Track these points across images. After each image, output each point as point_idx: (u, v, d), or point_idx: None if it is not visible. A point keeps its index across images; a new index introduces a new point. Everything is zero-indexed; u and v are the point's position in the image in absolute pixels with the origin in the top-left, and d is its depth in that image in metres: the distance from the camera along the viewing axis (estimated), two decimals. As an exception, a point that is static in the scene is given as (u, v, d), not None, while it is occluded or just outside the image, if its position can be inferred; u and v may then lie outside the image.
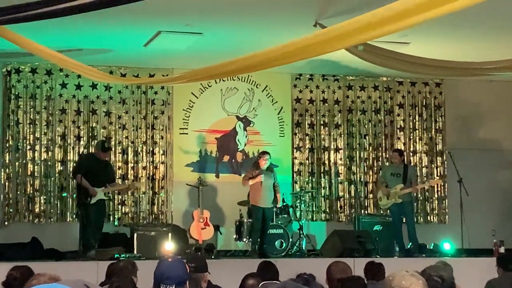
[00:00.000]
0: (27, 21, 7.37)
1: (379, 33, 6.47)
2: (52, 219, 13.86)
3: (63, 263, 11.29)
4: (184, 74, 11.20)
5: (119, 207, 14.24)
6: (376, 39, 7.24)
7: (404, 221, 13.80)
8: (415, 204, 14.83)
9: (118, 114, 14.40)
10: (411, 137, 15.68)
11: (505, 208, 15.34)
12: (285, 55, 7.54)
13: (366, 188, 15.37)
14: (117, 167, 14.25)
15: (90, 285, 3.70)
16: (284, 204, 13.86)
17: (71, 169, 13.61)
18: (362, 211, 15.11)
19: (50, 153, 13.96)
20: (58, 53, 10.11)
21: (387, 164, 15.07)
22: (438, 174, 15.57)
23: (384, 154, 15.49)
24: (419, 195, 15.35)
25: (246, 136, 15.00)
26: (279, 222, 13.54)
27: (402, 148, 15.15)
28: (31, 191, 13.84)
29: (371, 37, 6.85)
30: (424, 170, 15.61)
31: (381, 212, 14.63)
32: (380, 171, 14.84)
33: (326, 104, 15.39)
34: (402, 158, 14.20)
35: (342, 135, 15.38)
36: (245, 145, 14.99)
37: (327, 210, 15.21)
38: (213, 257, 12.39)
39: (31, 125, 13.93)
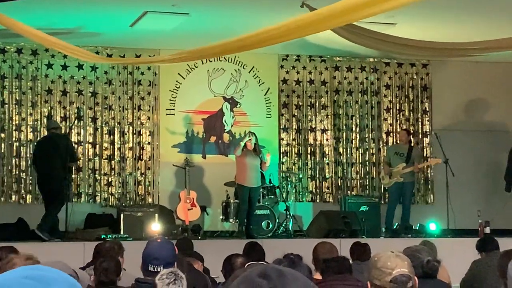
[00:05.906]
0: (12, 0, 7.32)
1: (366, 14, 6.47)
2: (38, 200, 13.83)
3: (49, 244, 11.29)
4: (173, 56, 11.07)
5: (105, 187, 14.23)
6: (363, 19, 7.24)
7: (400, 201, 13.85)
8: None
9: (104, 94, 14.35)
10: (398, 118, 15.69)
11: (491, 189, 15.39)
12: (272, 37, 7.54)
13: (352, 169, 15.40)
14: (104, 148, 14.24)
15: (76, 271, 3.69)
16: (271, 185, 13.88)
17: (72, 156, 12.73)
18: (349, 192, 15.14)
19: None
20: (43, 33, 10.04)
21: (390, 144, 15.15)
22: (424, 155, 15.61)
23: (370, 135, 15.50)
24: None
25: (233, 117, 14.97)
26: (266, 203, 13.57)
27: (389, 129, 15.19)
28: (17, 172, 13.81)
29: (359, 18, 6.84)
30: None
31: (367, 192, 14.66)
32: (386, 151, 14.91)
33: (313, 85, 15.38)
34: (409, 138, 14.30)
35: (329, 116, 15.39)
36: (232, 126, 14.97)
37: (314, 191, 15.22)
38: (199, 238, 12.41)
39: (16, 106, 13.87)
